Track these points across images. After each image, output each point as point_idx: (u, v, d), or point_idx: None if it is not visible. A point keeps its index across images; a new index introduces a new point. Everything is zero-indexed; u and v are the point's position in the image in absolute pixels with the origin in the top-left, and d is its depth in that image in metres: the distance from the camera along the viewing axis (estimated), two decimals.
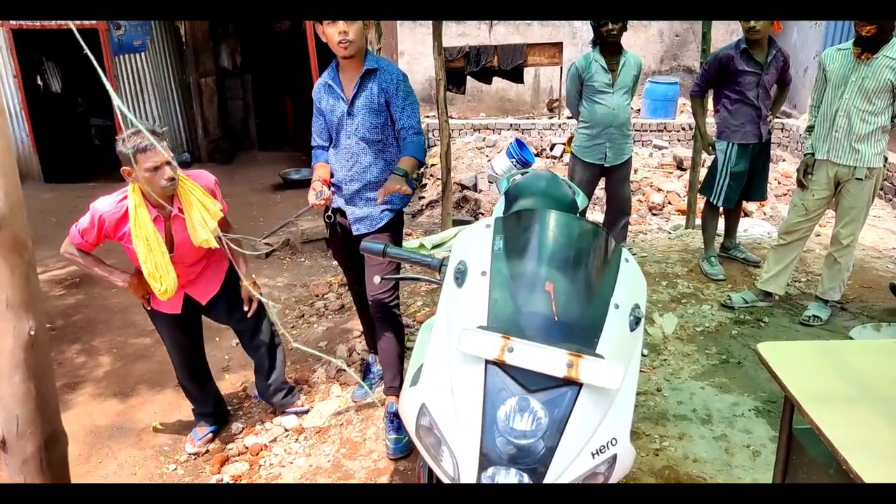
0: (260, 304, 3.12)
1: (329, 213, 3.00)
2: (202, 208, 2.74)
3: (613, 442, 1.38)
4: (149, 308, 2.97)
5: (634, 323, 1.52)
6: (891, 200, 6.92)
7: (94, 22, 7.49)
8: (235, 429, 3.36)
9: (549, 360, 1.34)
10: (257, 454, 3.13)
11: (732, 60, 4.11)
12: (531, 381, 1.37)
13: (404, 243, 3.43)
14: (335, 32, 2.63)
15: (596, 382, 1.33)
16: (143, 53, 8.22)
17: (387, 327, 2.93)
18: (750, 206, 6.55)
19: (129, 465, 3.18)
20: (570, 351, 1.35)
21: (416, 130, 2.83)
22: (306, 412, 3.38)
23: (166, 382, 3.83)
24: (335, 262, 5.71)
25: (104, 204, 2.66)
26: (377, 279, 1.91)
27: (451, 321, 1.51)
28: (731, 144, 4.25)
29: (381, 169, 2.87)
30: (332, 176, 2.94)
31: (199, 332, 3.20)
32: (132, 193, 2.64)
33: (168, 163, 2.55)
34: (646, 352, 1.71)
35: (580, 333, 1.44)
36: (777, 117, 4.48)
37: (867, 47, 3.30)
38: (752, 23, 3.92)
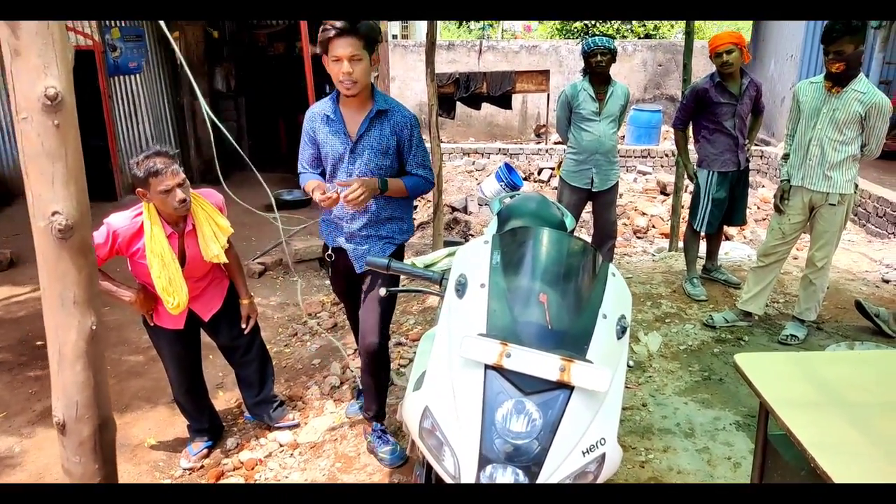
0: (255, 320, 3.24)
1: (329, 252, 2.99)
2: (213, 224, 2.87)
3: (602, 441, 1.50)
4: (152, 324, 3.03)
5: (621, 332, 1.65)
6: (864, 226, 7.16)
7: (90, 43, 7.61)
8: (230, 444, 3.41)
9: (544, 364, 1.46)
10: (252, 469, 3.18)
11: (707, 93, 4.31)
12: (527, 385, 1.48)
13: None
14: (339, 71, 2.49)
15: (586, 385, 1.45)
16: (138, 75, 8.33)
17: (374, 363, 2.93)
18: (731, 230, 6.75)
19: (124, 480, 3.21)
20: (563, 356, 1.47)
21: (423, 171, 2.80)
22: (296, 426, 3.45)
23: (160, 399, 3.88)
24: (328, 282, 5.82)
25: (119, 219, 2.75)
26: (383, 291, 2.00)
27: (453, 329, 1.63)
28: (711, 172, 4.44)
29: (380, 206, 2.81)
30: (330, 213, 2.89)
31: (199, 348, 3.27)
32: (147, 211, 2.74)
33: (180, 185, 2.67)
34: (631, 363, 1.83)
35: (571, 341, 1.56)
36: (756, 145, 4.66)
37: (837, 81, 3.49)
38: (725, 57, 4.13)
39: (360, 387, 3.47)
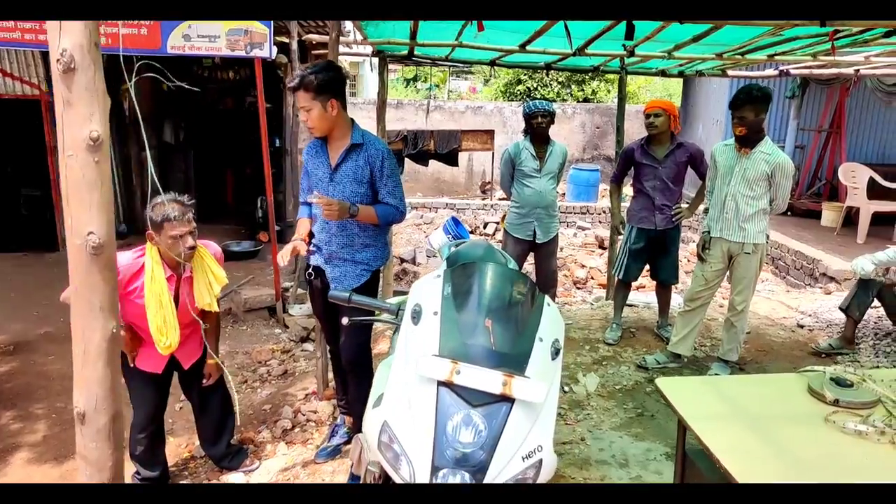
0: (220, 376, 3.35)
1: (310, 270, 3.24)
2: (210, 274, 3.00)
3: (539, 448, 1.71)
4: (132, 365, 3.08)
5: (555, 353, 1.89)
6: (784, 277, 7.70)
7: (36, 93, 7.65)
8: None
9: (488, 379, 1.67)
10: None
11: (634, 153, 4.66)
12: (474, 398, 1.69)
13: None
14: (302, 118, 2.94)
15: (525, 397, 1.67)
16: None
17: (360, 379, 3.15)
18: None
19: None
20: (505, 373, 1.69)
21: (394, 200, 3.08)
22: (254, 470, 3.52)
23: None
24: (277, 331, 5.91)
25: (122, 258, 2.82)
26: (345, 320, 2.18)
27: (409, 352, 1.83)
28: (632, 227, 4.78)
29: (356, 232, 3.09)
30: (312, 236, 3.19)
31: (167, 395, 3.31)
32: (150, 252, 2.87)
33: (191, 232, 2.83)
34: (566, 389, 2.06)
35: (513, 360, 1.78)
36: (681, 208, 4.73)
37: (744, 143, 3.92)
38: (652, 119, 4.49)
39: (340, 421, 3.60)
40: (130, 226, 9.03)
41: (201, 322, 3.03)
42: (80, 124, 1.59)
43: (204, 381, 3.26)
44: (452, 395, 1.70)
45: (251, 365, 5.20)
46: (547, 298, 2.04)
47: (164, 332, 2.89)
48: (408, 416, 1.72)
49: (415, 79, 21.21)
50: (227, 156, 10.29)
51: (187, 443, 3.94)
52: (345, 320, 2.17)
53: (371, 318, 2.24)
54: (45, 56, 7.57)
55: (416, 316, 1.90)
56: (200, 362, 3.25)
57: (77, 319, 1.71)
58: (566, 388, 1.85)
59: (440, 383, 1.71)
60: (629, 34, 3.15)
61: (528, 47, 4.75)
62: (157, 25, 5.12)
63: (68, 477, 3.58)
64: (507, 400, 1.70)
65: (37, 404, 4.46)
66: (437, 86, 19.72)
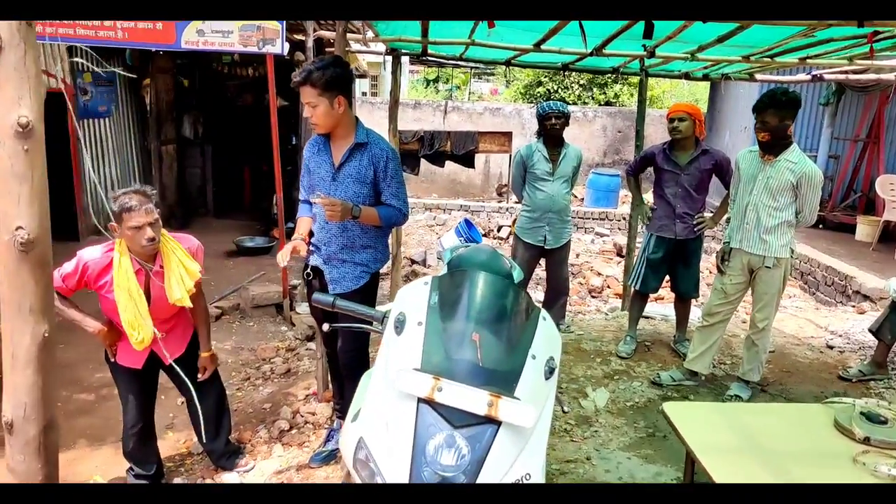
0: (215, 370, 3.25)
1: (308, 270, 3.15)
2: (182, 268, 2.88)
3: (528, 477, 1.55)
4: (113, 359, 3.02)
5: (549, 372, 1.73)
6: (814, 294, 7.41)
7: (60, 87, 7.65)
8: None
9: (473, 399, 1.52)
10: None
11: (655, 157, 4.47)
12: (457, 418, 1.54)
13: None
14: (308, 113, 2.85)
15: (512, 420, 1.52)
16: (107, 119, 8.38)
17: (353, 370, 3.04)
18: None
19: None
20: (491, 392, 1.54)
21: (397, 201, 2.99)
22: (250, 470, 3.42)
23: (108, 437, 3.80)
24: (284, 328, 5.82)
25: (90, 253, 2.79)
26: (326, 326, 2.07)
27: (390, 364, 1.69)
28: (651, 235, 4.59)
29: (357, 234, 3.01)
30: (312, 235, 3.10)
31: (154, 391, 3.24)
32: (118, 245, 2.79)
33: (151, 224, 2.72)
34: (567, 409, 1.91)
35: (501, 378, 1.63)
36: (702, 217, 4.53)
37: (768, 150, 3.72)
38: (676, 123, 4.29)
39: (336, 425, 3.50)
40: None
41: (157, 333, 2.91)
42: (7, 108, 1.46)
43: (199, 375, 3.17)
44: (433, 413, 1.55)
45: (255, 362, 5.12)
46: (543, 312, 1.89)
47: (136, 327, 2.80)
48: (385, 434, 1.58)
49: (436, 80, 21.11)
50: (244, 152, 10.28)
51: (186, 438, 3.86)
52: (325, 326, 2.05)
53: (353, 325, 2.10)
54: (69, 49, 7.58)
55: (400, 326, 1.76)
56: (183, 359, 3.12)
57: (6, 322, 1.59)
58: (566, 408, 1.71)
59: (421, 400, 1.57)
60: (648, 33, 2.98)
61: (543, 46, 4.58)
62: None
63: (69, 467, 3.48)
64: (494, 422, 1.55)
65: None
66: (459, 87, 19.59)
